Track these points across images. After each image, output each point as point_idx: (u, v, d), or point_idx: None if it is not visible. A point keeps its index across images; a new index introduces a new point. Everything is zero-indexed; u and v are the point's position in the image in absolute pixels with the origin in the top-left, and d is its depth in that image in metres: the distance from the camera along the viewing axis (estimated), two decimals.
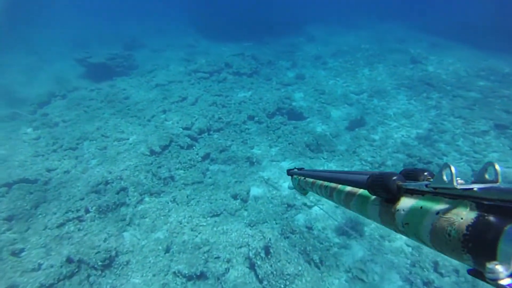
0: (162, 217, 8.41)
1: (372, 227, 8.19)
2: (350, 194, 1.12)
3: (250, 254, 7.18)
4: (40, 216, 8.49)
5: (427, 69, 17.31)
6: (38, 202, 8.92)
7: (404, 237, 7.13)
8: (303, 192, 1.84)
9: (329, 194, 1.30)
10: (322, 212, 8.72)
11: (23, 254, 7.36)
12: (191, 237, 7.92)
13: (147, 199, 8.94)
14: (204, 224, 8.33)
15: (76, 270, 6.83)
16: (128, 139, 11.93)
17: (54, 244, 7.48)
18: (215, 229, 8.20)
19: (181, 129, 12.03)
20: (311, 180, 1.56)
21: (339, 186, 1.23)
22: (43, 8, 35.79)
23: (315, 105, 14.34)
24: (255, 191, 9.57)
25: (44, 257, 7.06)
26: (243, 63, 17.52)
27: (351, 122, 12.62)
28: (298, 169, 1.87)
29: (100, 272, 6.94)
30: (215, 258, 7.32)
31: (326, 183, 1.35)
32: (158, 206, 8.70)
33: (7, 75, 20.23)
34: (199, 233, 8.06)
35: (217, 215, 8.61)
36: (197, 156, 10.72)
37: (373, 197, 0.96)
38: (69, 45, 25.94)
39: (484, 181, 0.64)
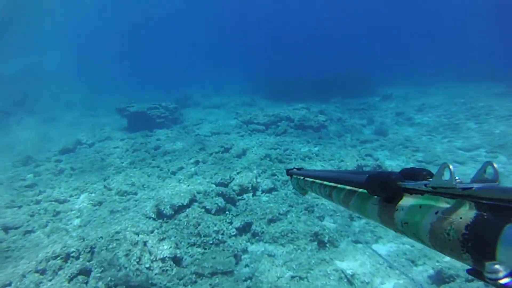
0: None
1: None
2: (349, 194, 1.08)
3: None
4: None
5: None
6: None
7: None
8: (303, 192, 1.79)
9: (328, 193, 1.26)
10: None
11: None
12: None
13: None
14: None
15: None
16: (135, 194, 8.20)
17: None
18: None
19: (213, 185, 8.06)
20: (311, 179, 1.50)
21: (338, 185, 1.19)
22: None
23: (409, 164, 9.82)
24: None
25: None
26: (309, 116, 13.77)
27: None
28: (297, 168, 1.83)
29: None
30: None
31: (325, 182, 1.31)
32: None
33: (46, 127, 18.96)
34: None
35: None
36: (229, 227, 6.46)
37: (373, 196, 0.93)
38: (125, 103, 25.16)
39: (483, 181, 0.63)
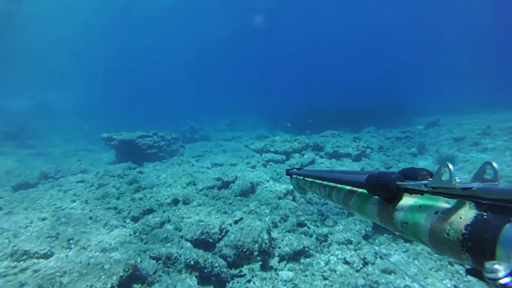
0: None
1: None
2: (349, 194, 1.04)
3: None
4: None
5: None
6: None
7: None
8: (303, 192, 1.70)
9: (328, 194, 1.21)
10: None
11: None
12: None
13: None
14: None
15: None
16: (47, 255, 4.46)
17: None
18: None
19: (188, 243, 4.28)
20: (311, 179, 1.45)
21: (338, 185, 1.13)
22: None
23: None
24: None
25: None
26: (343, 141, 10.01)
27: None
28: (297, 169, 1.73)
29: None
30: None
31: (325, 182, 1.26)
32: None
33: (27, 161, 16.06)
34: None
35: None
36: None
37: (373, 196, 0.89)
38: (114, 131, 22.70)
39: (483, 181, 0.60)
